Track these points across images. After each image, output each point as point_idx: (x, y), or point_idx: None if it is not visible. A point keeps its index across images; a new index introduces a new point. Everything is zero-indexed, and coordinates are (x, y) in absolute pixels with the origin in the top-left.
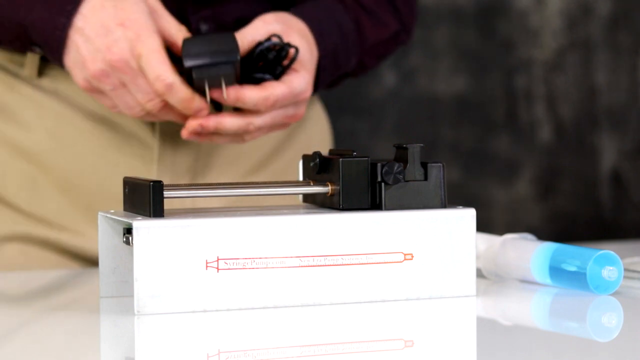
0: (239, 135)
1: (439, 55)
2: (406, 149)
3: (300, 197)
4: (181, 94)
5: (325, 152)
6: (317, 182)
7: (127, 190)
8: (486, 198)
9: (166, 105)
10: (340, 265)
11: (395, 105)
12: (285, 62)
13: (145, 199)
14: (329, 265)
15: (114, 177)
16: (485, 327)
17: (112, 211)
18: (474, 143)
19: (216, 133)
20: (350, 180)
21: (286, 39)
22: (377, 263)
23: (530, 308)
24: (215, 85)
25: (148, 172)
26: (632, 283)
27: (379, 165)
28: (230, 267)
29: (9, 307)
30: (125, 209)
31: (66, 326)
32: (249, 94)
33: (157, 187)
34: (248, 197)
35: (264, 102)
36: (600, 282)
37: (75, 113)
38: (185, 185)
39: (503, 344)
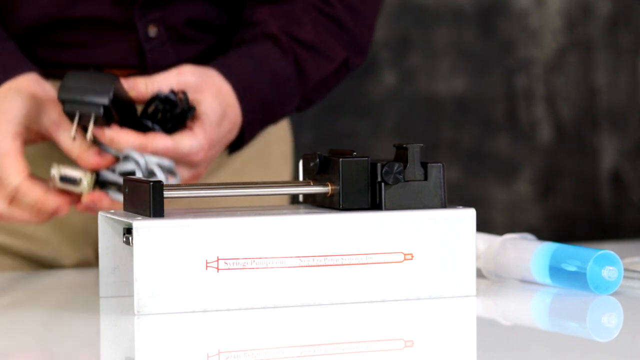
0: None
1: (439, 55)
2: (406, 149)
3: (301, 196)
4: (32, 194)
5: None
6: (317, 182)
7: (127, 190)
8: (486, 198)
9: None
10: (340, 265)
11: (395, 105)
12: (180, 114)
13: (145, 199)
14: (329, 265)
15: None
16: (485, 327)
17: (112, 211)
18: (474, 143)
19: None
20: (350, 180)
21: (196, 95)
22: (377, 263)
23: (530, 308)
24: (86, 122)
25: None
26: (632, 283)
27: (379, 165)
28: (230, 267)
29: (8, 306)
30: (125, 209)
31: (66, 326)
32: (126, 137)
33: (157, 187)
34: (247, 197)
35: (140, 150)
36: (600, 282)
37: None
38: (185, 185)
39: (503, 344)
